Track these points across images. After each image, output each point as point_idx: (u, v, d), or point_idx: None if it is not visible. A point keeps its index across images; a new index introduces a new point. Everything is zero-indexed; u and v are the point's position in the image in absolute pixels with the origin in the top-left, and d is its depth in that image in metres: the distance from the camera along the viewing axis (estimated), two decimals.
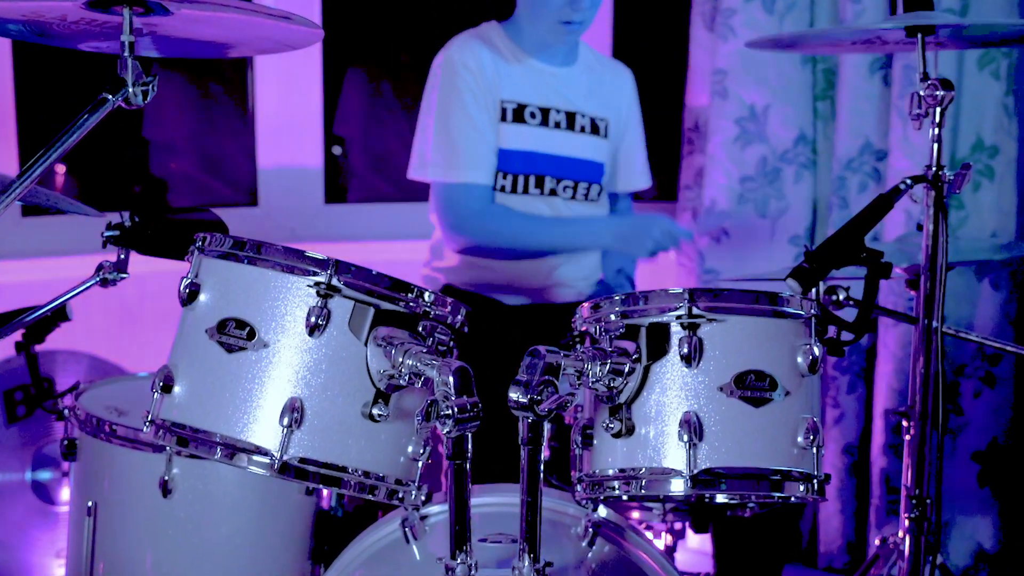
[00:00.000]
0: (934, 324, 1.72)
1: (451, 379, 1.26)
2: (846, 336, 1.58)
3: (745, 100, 2.98)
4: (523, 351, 1.32)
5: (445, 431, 1.26)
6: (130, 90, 1.39)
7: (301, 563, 1.85)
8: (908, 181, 1.68)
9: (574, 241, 2.43)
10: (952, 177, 1.71)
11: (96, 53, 1.56)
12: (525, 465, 1.30)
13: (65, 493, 2.21)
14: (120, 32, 1.39)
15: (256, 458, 1.32)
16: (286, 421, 1.31)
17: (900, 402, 2.79)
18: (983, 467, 2.84)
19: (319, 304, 1.32)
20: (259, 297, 1.34)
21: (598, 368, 1.39)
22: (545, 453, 1.34)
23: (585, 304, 1.49)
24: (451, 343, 1.43)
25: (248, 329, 1.33)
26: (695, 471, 1.37)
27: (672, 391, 1.39)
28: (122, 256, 1.60)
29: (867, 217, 1.63)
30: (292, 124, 3.15)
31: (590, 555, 1.53)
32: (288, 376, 1.32)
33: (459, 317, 1.43)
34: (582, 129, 2.49)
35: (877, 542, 1.95)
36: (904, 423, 1.79)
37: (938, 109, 1.69)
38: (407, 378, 1.34)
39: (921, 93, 1.69)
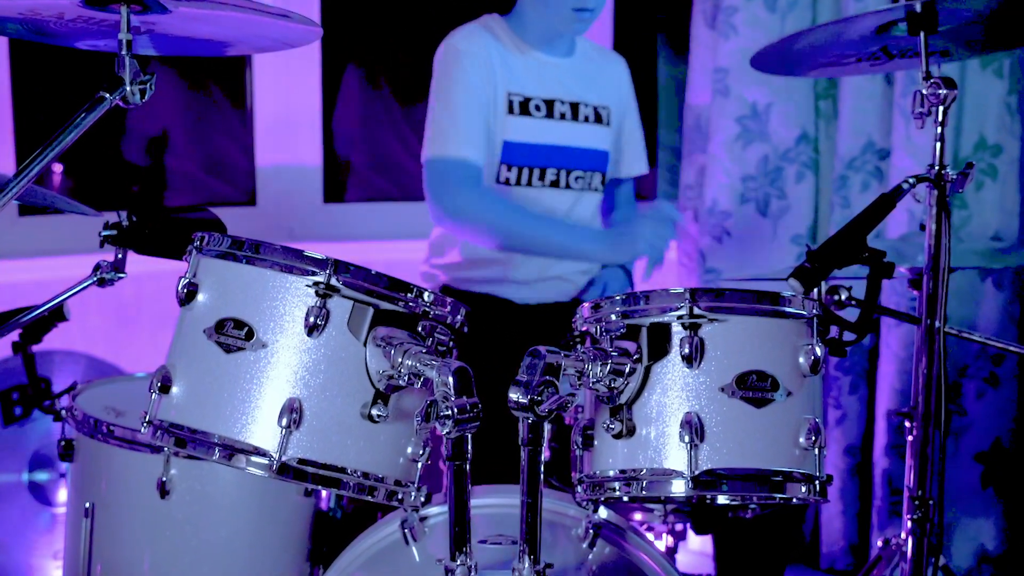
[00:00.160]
0: (937, 324, 1.72)
1: (451, 379, 1.26)
2: (848, 336, 1.57)
3: (747, 98, 2.97)
4: (523, 349, 1.31)
5: (444, 432, 1.26)
6: (128, 89, 1.39)
7: (300, 564, 1.85)
8: (911, 180, 1.68)
9: (563, 251, 2.38)
10: (955, 176, 1.70)
11: (94, 51, 1.56)
12: (525, 466, 1.30)
13: (62, 494, 2.21)
14: (118, 30, 1.38)
15: (254, 459, 1.31)
16: (285, 422, 1.30)
17: (902, 403, 2.78)
18: (986, 468, 2.83)
19: (318, 304, 1.32)
20: (257, 297, 1.34)
21: (599, 368, 1.38)
22: (545, 454, 1.33)
23: (586, 304, 1.48)
24: (451, 343, 1.43)
25: (246, 329, 1.33)
26: (696, 472, 1.37)
27: (673, 391, 1.39)
28: (119, 256, 1.61)
29: (869, 217, 1.63)
30: (290, 123, 3.14)
31: (591, 557, 1.53)
32: (287, 376, 1.32)
33: (459, 317, 1.43)
34: (586, 119, 2.49)
35: (879, 543, 1.94)
36: (906, 424, 1.78)
37: (941, 108, 1.68)
38: (406, 378, 1.34)
39: (924, 92, 1.68)
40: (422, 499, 1.43)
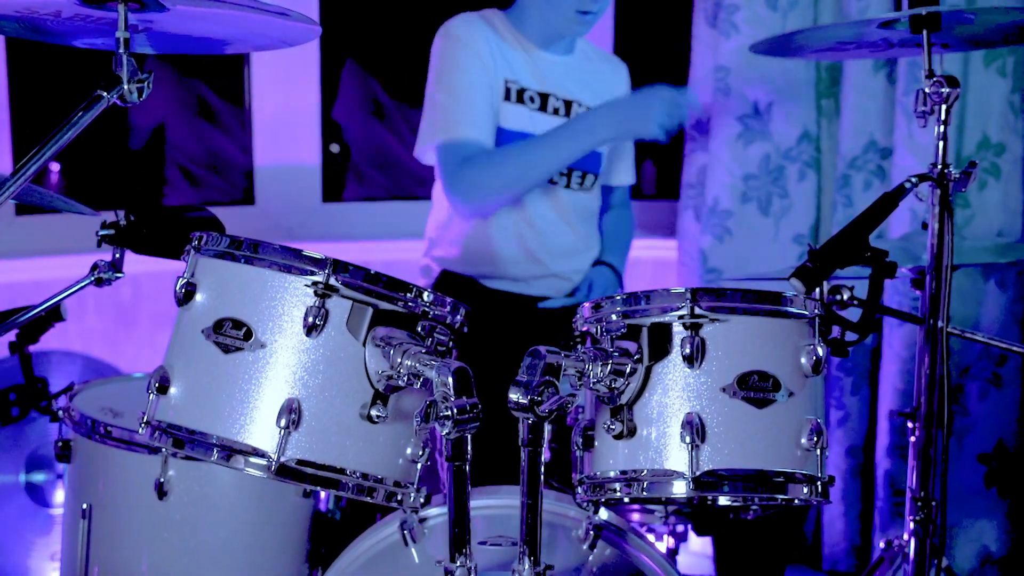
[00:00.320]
0: (939, 324, 1.71)
1: (450, 380, 1.25)
2: (850, 336, 1.57)
3: (748, 97, 2.97)
4: (520, 343, 1.30)
5: (444, 432, 1.25)
6: (125, 87, 1.39)
7: (298, 566, 1.85)
8: (913, 179, 1.67)
9: (575, 143, 2.31)
10: (958, 175, 1.69)
11: (91, 50, 1.55)
12: (525, 467, 1.29)
13: (59, 495, 2.21)
14: (115, 28, 1.38)
15: (253, 460, 1.31)
16: (283, 422, 1.30)
17: (905, 403, 2.78)
18: (989, 469, 2.83)
19: (317, 304, 1.31)
20: (256, 297, 1.33)
21: (599, 369, 1.38)
22: (545, 455, 1.32)
23: (586, 304, 1.48)
24: (450, 343, 1.42)
25: (245, 329, 1.32)
26: (697, 473, 1.36)
27: (674, 392, 1.38)
28: (117, 255, 1.60)
29: (872, 216, 1.62)
30: (289, 122, 3.14)
31: (591, 558, 1.53)
32: (285, 377, 1.31)
33: (458, 317, 1.42)
34: None
35: (882, 545, 1.93)
36: (909, 424, 1.78)
37: (943, 106, 1.68)
38: (406, 379, 1.33)
39: (926, 90, 1.68)
40: (421, 500, 1.42)
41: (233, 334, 1.32)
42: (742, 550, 2.11)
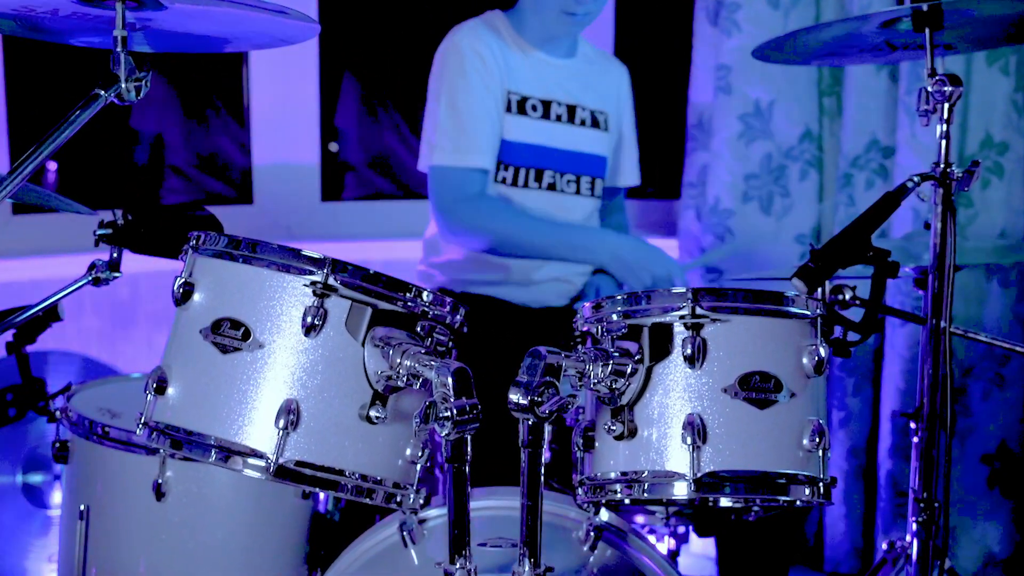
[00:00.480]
0: (942, 324, 1.70)
1: (450, 380, 1.25)
2: (852, 336, 1.57)
3: (750, 96, 2.96)
4: (522, 350, 1.29)
5: (444, 433, 1.25)
6: (123, 86, 1.39)
7: (297, 568, 1.84)
8: (916, 178, 1.66)
9: (568, 251, 2.37)
10: (960, 174, 1.69)
11: (88, 48, 1.55)
12: (525, 468, 1.29)
13: (57, 496, 2.20)
14: (113, 26, 1.37)
15: (251, 461, 1.30)
16: (282, 423, 1.29)
17: (907, 404, 2.77)
18: (992, 470, 2.82)
19: (315, 304, 1.31)
20: (254, 297, 1.33)
21: (600, 369, 1.37)
22: (546, 456, 1.32)
23: (587, 304, 1.47)
24: (450, 343, 1.42)
25: (243, 329, 1.32)
26: (698, 474, 1.36)
27: (675, 392, 1.38)
28: (115, 255, 1.60)
29: (874, 215, 1.61)
30: (287, 120, 3.13)
31: (592, 559, 1.52)
32: (284, 377, 1.31)
33: (458, 317, 1.42)
34: (582, 122, 2.48)
35: (884, 546, 1.93)
36: (912, 425, 1.77)
37: (946, 105, 1.67)
38: (405, 379, 1.33)
39: (929, 89, 1.67)
40: (421, 501, 1.42)
41: (231, 334, 1.32)
42: (744, 551, 2.11)
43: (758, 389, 1.37)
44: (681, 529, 1.97)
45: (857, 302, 1.65)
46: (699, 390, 1.37)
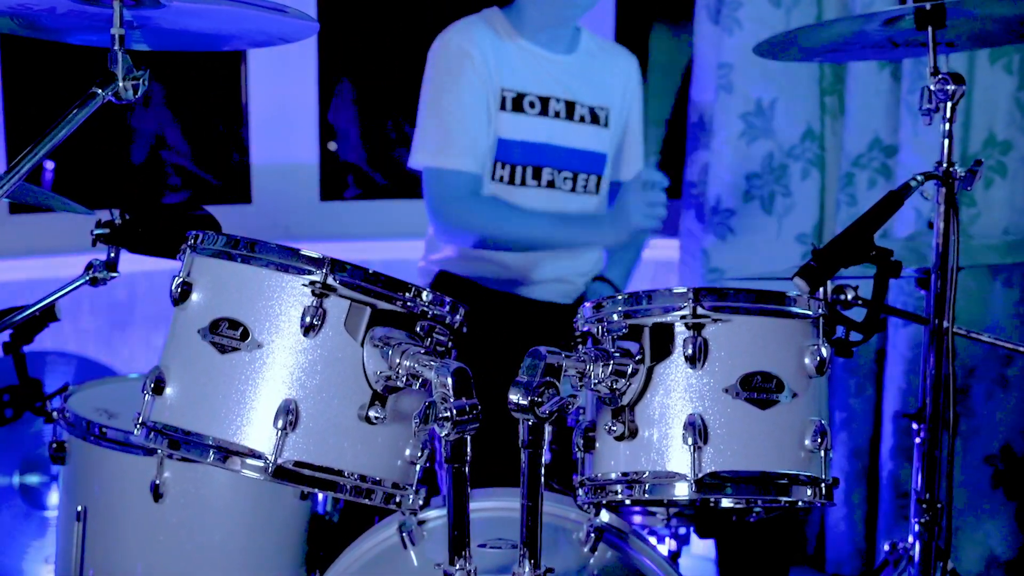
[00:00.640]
0: (945, 324, 1.69)
1: (449, 380, 1.24)
2: (855, 337, 1.56)
3: (751, 95, 2.95)
4: (522, 349, 1.29)
5: (443, 434, 1.24)
6: (120, 84, 1.39)
7: (295, 569, 1.84)
8: (918, 178, 1.66)
9: (560, 241, 2.38)
10: (963, 173, 1.68)
11: (86, 47, 1.54)
12: (525, 469, 1.28)
13: (54, 497, 2.21)
14: (110, 25, 1.37)
15: (250, 461, 1.30)
16: (280, 423, 1.29)
17: (910, 404, 2.76)
18: (995, 471, 2.82)
19: (314, 304, 1.30)
20: (253, 296, 1.32)
21: (600, 369, 1.36)
22: (546, 456, 1.31)
23: (587, 303, 1.46)
24: (449, 343, 1.41)
25: (241, 329, 1.31)
26: (700, 475, 1.35)
27: (676, 393, 1.37)
28: (112, 254, 1.60)
29: (876, 215, 1.61)
30: (286, 119, 3.13)
31: (592, 561, 1.52)
32: (282, 377, 1.30)
33: (458, 317, 1.41)
34: (581, 119, 2.46)
35: (886, 548, 1.93)
36: (914, 426, 1.77)
37: (949, 104, 1.66)
38: (404, 379, 1.32)
39: (932, 88, 1.67)
40: (420, 502, 1.41)
41: (230, 334, 1.31)
42: (745, 552, 2.10)
43: (760, 389, 1.36)
44: (682, 530, 1.97)
45: (859, 302, 1.64)
46: (700, 390, 1.36)
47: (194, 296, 1.35)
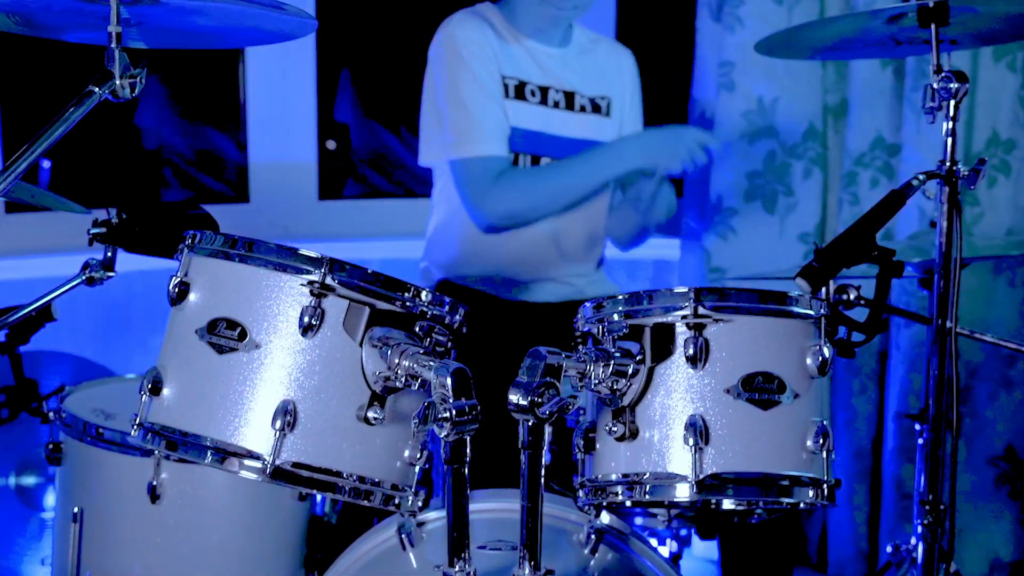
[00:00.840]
0: (948, 324, 1.68)
1: (449, 381, 1.23)
2: (857, 337, 1.55)
3: (753, 93, 2.94)
4: (522, 350, 1.28)
5: (443, 435, 1.23)
6: (117, 83, 1.39)
7: (294, 571, 1.84)
8: (921, 177, 1.65)
9: (604, 171, 2.36)
10: (967, 172, 1.68)
11: (83, 44, 1.53)
12: (525, 470, 1.28)
13: (50, 498, 2.21)
14: (107, 22, 1.37)
15: (248, 462, 1.29)
16: (279, 424, 1.28)
17: (913, 405, 2.76)
18: (999, 472, 2.81)
19: (313, 304, 1.30)
20: (251, 296, 1.31)
21: (601, 370, 1.36)
22: (546, 457, 1.30)
23: (588, 304, 1.46)
24: (449, 344, 1.41)
25: (239, 329, 1.30)
26: (701, 476, 1.34)
27: (677, 393, 1.36)
28: (109, 254, 1.60)
29: (879, 214, 1.60)
30: (284, 117, 3.12)
31: (593, 562, 1.51)
32: (281, 378, 1.29)
33: (457, 317, 1.41)
34: (582, 108, 2.46)
35: (889, 549, 1.92)
36: (917, 427, 1.76)
37: (952, 102, 1.66)
38: (403, 380, 1.31)
39: (935, 86, 1.66)
40: (419, 503, 1.40)
41: (227, 334, 1.30)
42: (747, 554, 2.09)
43: (761, 390, 1.36)
44: (683, 532, 1.96)
45: (862, 302, 1.64)
46: (701, 391, 1.36)
47: (191, 296, 1.34)
